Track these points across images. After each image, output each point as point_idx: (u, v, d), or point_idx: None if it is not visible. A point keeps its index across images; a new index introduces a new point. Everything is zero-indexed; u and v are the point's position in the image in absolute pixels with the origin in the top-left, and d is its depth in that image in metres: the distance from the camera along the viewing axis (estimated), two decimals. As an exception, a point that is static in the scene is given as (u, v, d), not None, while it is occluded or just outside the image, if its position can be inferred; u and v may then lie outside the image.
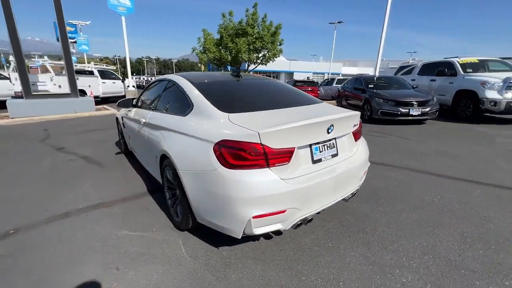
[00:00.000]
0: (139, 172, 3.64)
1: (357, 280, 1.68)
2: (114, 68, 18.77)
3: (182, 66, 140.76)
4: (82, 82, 11.41)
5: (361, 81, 8.56)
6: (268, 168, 1.63)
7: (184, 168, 1.90)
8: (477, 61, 7.77)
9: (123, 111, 4.20)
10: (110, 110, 10.19)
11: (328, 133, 1.88)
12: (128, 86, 13.73)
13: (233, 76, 2.78)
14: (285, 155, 1.67)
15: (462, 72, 7.44)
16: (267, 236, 2.14)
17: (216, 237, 2.13)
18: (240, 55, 11.05)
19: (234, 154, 1.61)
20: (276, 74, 47.38)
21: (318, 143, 1.86)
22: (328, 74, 34.70)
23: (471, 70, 7.45)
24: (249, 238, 2.10)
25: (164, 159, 2.30)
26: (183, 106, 2.30)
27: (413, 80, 9.22)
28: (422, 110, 6.66)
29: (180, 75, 2.72)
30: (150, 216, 2.51)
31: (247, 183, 1.58)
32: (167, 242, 2.10)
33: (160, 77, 3.21)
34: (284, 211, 1.66)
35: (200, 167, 1.77)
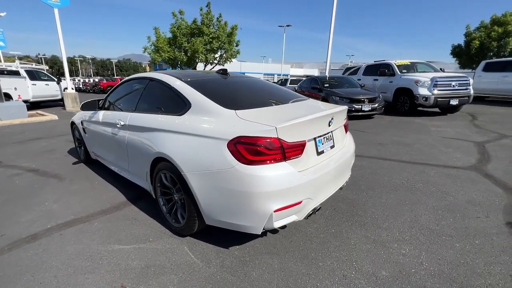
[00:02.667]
0: (110, 182, 3.28)
1: (366, 257, 1.84)
2: (46, 67, 16.24)
3: (124, 67, 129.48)
4: (5, 83, 9.61)
5: (317, 81, 9.19)
6: (285, 162, 1.67)
7: (191, 169, 1.80)
8: (409, 63, 9.09)
9: (81, 115, 3.73)
10: (47, 115, 8.83)
11: (329, 126, 2.01)
12: (66, 88, 12.10)
13: (220, 74, 2.73)
14: (298, 148, 1.73)
15: (399, 73, 8.62)
16: (273, 230, 2.17)
17: (221, 238, 2.08)
18: (197, 55, 10.74)
19: (252, 150, 1.61)
20: (228, 75, 47.08)
21: (320, 136, 1.98)
22: (280, 75, 36.16)
23: (405, 71, 8.68)
24: (255, 235, 2.11)
25: (158, 162, 2.14)
26: (175, 105, 2.17)
27: (359, 80, 10.27)
28: (372, 106, 7.49)
29: (164, 73, 2.55)
30: (141, 226, 2.30)
31: (268, 178, 1.60)
32: (170, 250, 1.97)
33: (135, 75, 2.95)
34: (300, 202, 1.72)
35: (212, 166, 1.71)
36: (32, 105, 11.58)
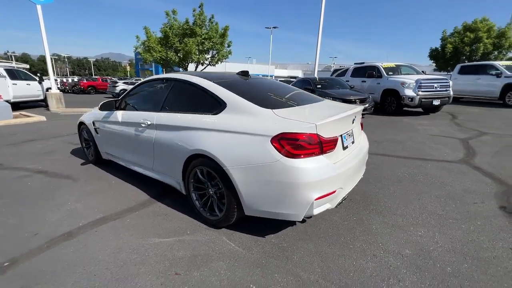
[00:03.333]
0: (127, 181, 3.31)
1: (389, 239, 2.08)
2: (27, 66, 15.40)
3: (102, 66, 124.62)
4: (-16, 83, 9.09)
5: (309, 82, 9.51)
6: (322, 155, 1.87)
7: (234, 164, 1.94)
8: (394, 65, 9.66)
9: (92, 115, 3.72)
10: (34, 117, 8.47)
11: (352, 123, 2.24)
12: (50, 89, 11.63)
13: (241, 75, 2.88)
14: (332, 143, 1.94)
15: (385, 75, 9.14)
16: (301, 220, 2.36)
17: (255, 228, 2.24)
18: (190, 56, 10.71)
19: (295, 144, 1.79)
20: (213, 76, 46.83)
21: (345, 132, 2.19)
22: (267, 76, 36.55)
23: (391, 73, 9.22)
24: (286, 224, 2.28)
25: (193, 159, 2.26)
26: (209, 105, 2.30)
27: (347, 81, 10.73)
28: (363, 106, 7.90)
29: (189, 74, 2.66)
30: (174, 221, 2.40)
31: (309, 170, 1.78)
32: (211, 241, 2.10)
33: (155, 77, 3.03)
34: (334, 191, 1.92)
35: (256, 161, 1.86)
36: (12, 106, 11.00)
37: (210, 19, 10.86)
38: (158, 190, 3.03)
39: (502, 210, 2.51)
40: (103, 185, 3.22)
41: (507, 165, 3.69)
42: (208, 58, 11.64)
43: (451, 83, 8.59)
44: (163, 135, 2.54)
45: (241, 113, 2.10)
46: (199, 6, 10.48)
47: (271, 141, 1.83)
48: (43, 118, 8.38)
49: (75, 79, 33.68)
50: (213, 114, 2.22)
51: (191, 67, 12.39)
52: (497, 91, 10.40)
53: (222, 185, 2.08)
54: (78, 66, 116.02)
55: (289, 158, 1.78)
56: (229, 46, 11.60)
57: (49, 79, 12.44)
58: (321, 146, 1.85)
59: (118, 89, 21.30)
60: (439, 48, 17.56)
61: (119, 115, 3.15)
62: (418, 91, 7.98)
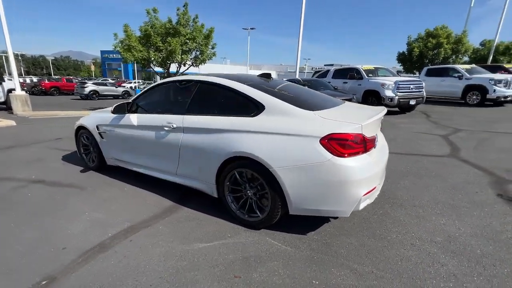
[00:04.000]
0: (141, 186, 3.17)
1: (419, 229, 2.26)
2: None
3: (62, 65, 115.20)
4: None
5: (295, 83, 9.75)
6: (365, 154, 1.99)
7: (281, 164, 1.99)
8: (373, 68, 10.29)
9: (94, 119, 3.52)
10: (1, 121, 7.63)
11: (381, 124, 2.40)
12: (14, 90, 10.55)
13: (264, 78, 2.91)
14: (372, 142, 2.07)
15: (366, 76, 9.71)
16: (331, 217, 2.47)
17: (292, 226, 2.30)
18: (173, 56, 10.37)
19: (344, 144, 1.88)
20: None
21: (376, 132, 2.35)
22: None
23: (371, 75, 9.82)
24: (322, 221, 2.38)
25: (232, 161, 2.25)
26: (245, 107, 2.31)
27: (329, 82, 11.20)
28: (349, 106, 8.33)
29: (219, 76, 2.64)
30: (210, 224, 2.38)
31: (358, 168, 1.89)
32: (256, 242, 2.11)
33: (174, 79, 2.96)
34: (375, 187, 2.05)
35: (305, 161, 1.93)
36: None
37: (194, 19, 10.64)
38: (177, 195, 2.95)
39: (500, 197, 2.85)
40: (116, 192, 3.05)
41: (489, 158, 4.16)
42: (191, 58, 11.38)
43: (424, 84, 9.38)
44: (193, 138, 2.49)
45: (280, 115, 2.15)
46: (184, 6, 10.22)
47: (320, 141, 1.91)
48: (12, 123, 7.60)
49: (34, 79, 30.80)
50: (251, 116, 2.24)
51: (173, 67, 12.00)
52: (459, 91, 11.55)
53: (266, 186, 2.11)
54: (34, 65, 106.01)
55: (338, 158, 1.87)
56: (213, 48, 11.46)
57: (11, 79, 11.29)
58: (365, 145, 1.97)
59: (87, 90, 19.93)
60: (406, 52, 19.08)
61: (133, 118, 3.01)
62: (397, 92, 8.60)
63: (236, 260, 1.91)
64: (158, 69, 11.74)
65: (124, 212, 2.60)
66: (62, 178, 3.49)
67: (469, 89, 11.35)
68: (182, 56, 10.71)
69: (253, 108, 2.27)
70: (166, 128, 2.68)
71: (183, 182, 2.74)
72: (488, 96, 10.55)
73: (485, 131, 6.13)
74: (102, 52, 54.90)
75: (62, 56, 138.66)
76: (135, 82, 31.69)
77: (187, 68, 12.02)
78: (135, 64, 13.51)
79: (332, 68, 11.91)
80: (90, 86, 20.26)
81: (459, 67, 11.91)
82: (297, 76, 14.53)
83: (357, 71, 10.08)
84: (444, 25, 17.34)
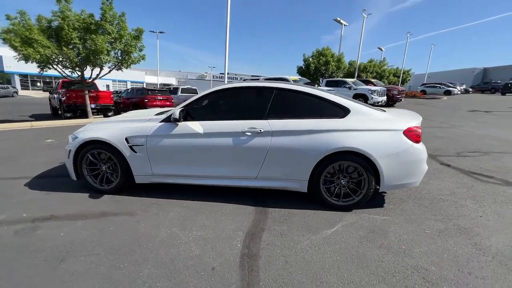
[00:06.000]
0: (198, 199, 2.95)
1: (453, 212, 3.35)
2: None
3: None
4: None
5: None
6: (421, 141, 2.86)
7: (379, 154, 2.57)
8: (298, 78, 12.24)
9: (120, 130, 2.98)
10: None
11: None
12: None
13: (309, 84, 3.38)
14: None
15: (354, 86, 12.27)
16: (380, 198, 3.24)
17: (366, 206, 2.90)
18: (98, 57, 8.60)
19: (417, 134, 2.67)
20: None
21: None
22: (143, 83, 33.37)
23: (355, 85, 12.32)
24: (376, 197, 3.11)
25: (327, 158, 2.63)
26: (332, 111, 2.75)
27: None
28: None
29: (296, 84, 2.96)
30: (313, 216, 2.64)
31: (423, 149, 2.72)
32: (363, 219, 2.60)
33: (244, 84, 3.01)
34: None
35: (396, 148, 2.59)
36: None
37: (120, 17, 9.28)
38: (252, 199, 2.98)
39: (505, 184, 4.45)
40: (182, 210, 2.74)
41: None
42: (118, 61, 9.82)
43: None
44: (283, 140, 2.69)
45: (364, 115, 2.74)
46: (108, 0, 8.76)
47: (403, 133, 2.63)
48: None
49: None
50: (340, 118, 2.71)
51: (88, 72, 9.93)
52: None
53: (364, 172, 2.63)
54: None
55: (415, 143, 2.65)
56: (141, 50, 10.31)
57: None
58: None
59: None
60: (303, 67, 23.16)
61: (196, 126, 2.82)
62: (378, 96, 11.45)
63: (367, 233, 2.34)
64: (66, 72, 9.48)
65: (221, 225, 2.47)
66: (77, 210, 2.71)
67: (356, 96, 15.24)
68: (108, 58, 9.19)
69: (339, 111, 2.75)
70: (248, 134, 2.72)
71: (262, 185, 2.85)
72: (368, 102, 14.68)
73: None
74: None
75: None
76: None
77: (108, 72, 10.34)
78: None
79: (261, 78, 13.21)
80: None
81: (348, 80, 15.77)
82: (225, 82, 14.96)
83: (345, 82, 13.42)
84: (328, 47, 22.36)
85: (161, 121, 2.92)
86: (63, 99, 10.78)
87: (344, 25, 23.74)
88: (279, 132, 2.71)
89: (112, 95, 12.27)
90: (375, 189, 2.71)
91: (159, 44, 30.99)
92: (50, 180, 3.51)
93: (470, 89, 35.58)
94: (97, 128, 3.10)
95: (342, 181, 2.73)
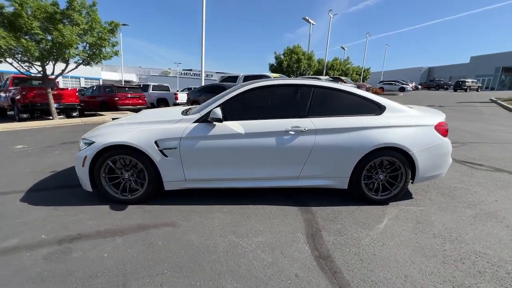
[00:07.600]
0: (235, 203, 2.81)
1: (473, 199, 3.65)
2: None
3: None
4: None
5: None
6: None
7: (416, 148, 2.70)
8: (278, 76, 12.29)
9: (149, 133, 2.70)
10: None
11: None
12: None
13: (334, 81, 3.42)
14: (441, 128, 3.20)
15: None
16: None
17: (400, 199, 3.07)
18: (66, 50, 7.55)
19: (445, 129, 2.88)
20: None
21: None
22: (99, 79, 30.69)
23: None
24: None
25: (369, 154, 2.70)
26: (369, 108, 2.82)
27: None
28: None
29: (331, 83, 2.93)
30: (360, 211, 2.69)
31: (450, 144, 2.94)
32: (403, 211, 2.73)
33: (279, 82, 2.93)
34: None
35: (430, 142, 2.76)
36: None
37: (90, 6, 8.30)
38: (291, 200, 2.94)
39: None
40: (226, 217, 2.57)
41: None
42: (87, 55, 8.79)
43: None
44: (327, 138, 2.68)
45: (398, 112, 2.86)
46: (76, -14, 7.73)
47: (435, 128, 2.81)
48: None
49: None
50: (377, 115, 2.79)
51: (50, 67, 8.72)
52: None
53: (402, 166, 2.75)
54: None
55: (445, 137, 2.85)
56: (114, 46, 9.40)
57: None
58: (446, 129, 3.06)
59: None
60: (275, 64, 23.47)
61: (236, 126, 2.66)
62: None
63: (416, 225, 2.46)
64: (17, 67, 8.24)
65: (276, 228, 2.38)
66: (114, 224, 2.38)
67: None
68: (76, 51, 8.22)
69: (376, 108, 2.83)
70: (292, 132, 2.66)
71: (304, 185, 2.82)
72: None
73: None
74: None
75: None
76: None
77: (75, 68, 9.26)
78: None
79: (241, 75, 12.99)
80: None
81: (321, 78, 16.37)
82: (202, 82, 14.56)
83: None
84: (299, 45, 22.96)
85: (195, 121, 2.70)
86: (17, 98, 9.37)
87: (312, 24, 24.58)
88: (322, 130, 2.69)
89: (77, 93, 11.02)
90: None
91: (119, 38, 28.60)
92: (51, 193, 3.02)
93: (419, 86, 39.67)
94: (116, 131, 2.74)
95: (380, 175, 2.82)
